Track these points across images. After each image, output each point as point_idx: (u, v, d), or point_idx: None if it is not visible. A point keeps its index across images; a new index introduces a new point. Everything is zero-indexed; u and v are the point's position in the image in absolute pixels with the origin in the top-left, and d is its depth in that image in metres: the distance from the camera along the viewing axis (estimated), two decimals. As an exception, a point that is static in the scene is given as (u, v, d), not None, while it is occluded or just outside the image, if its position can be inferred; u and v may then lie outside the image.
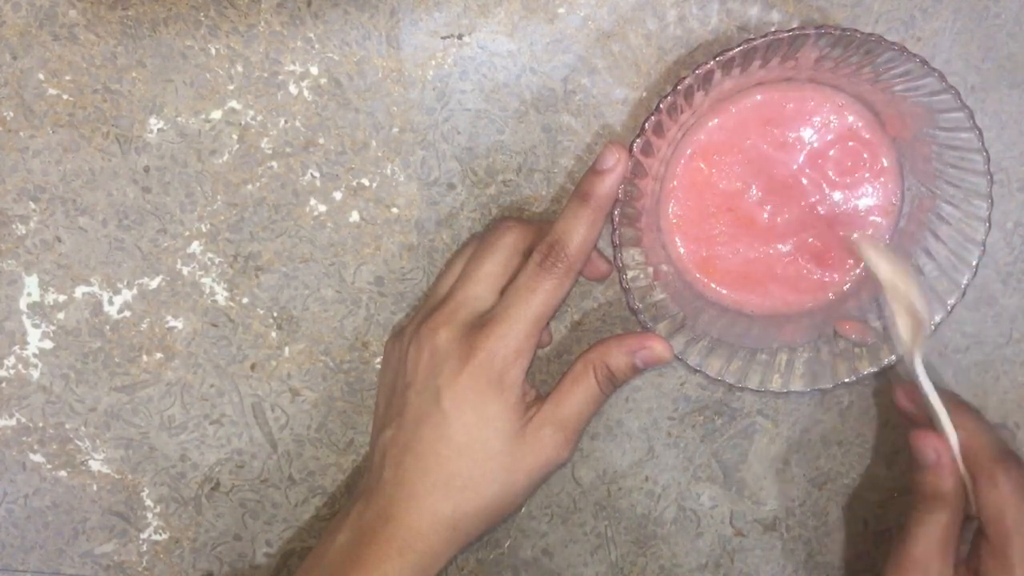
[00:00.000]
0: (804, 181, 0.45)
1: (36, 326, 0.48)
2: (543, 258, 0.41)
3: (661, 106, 0.41)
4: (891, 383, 0.48)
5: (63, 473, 0.49)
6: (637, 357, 0.42)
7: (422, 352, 0.42)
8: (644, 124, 0.42)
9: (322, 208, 0.47)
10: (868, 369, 0.45)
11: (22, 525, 0.49)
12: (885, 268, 0.42)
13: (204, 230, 0.47)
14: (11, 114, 0.46)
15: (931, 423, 0.42)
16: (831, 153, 0.45)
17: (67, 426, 0.48)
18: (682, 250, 0.46)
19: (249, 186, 0.47)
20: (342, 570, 0.40)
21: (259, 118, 0.46)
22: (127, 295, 0.48)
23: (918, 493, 0.41)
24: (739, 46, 0.40)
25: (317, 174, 0.47)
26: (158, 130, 0.46)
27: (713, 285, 0.46)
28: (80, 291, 0.47)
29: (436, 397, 0.41)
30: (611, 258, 0.44)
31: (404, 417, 0.42)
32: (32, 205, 0.47)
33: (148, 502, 0.49)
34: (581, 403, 0.42)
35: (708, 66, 0.40)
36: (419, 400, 0.42)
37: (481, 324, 0.41)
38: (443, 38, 0.46)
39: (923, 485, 0.41)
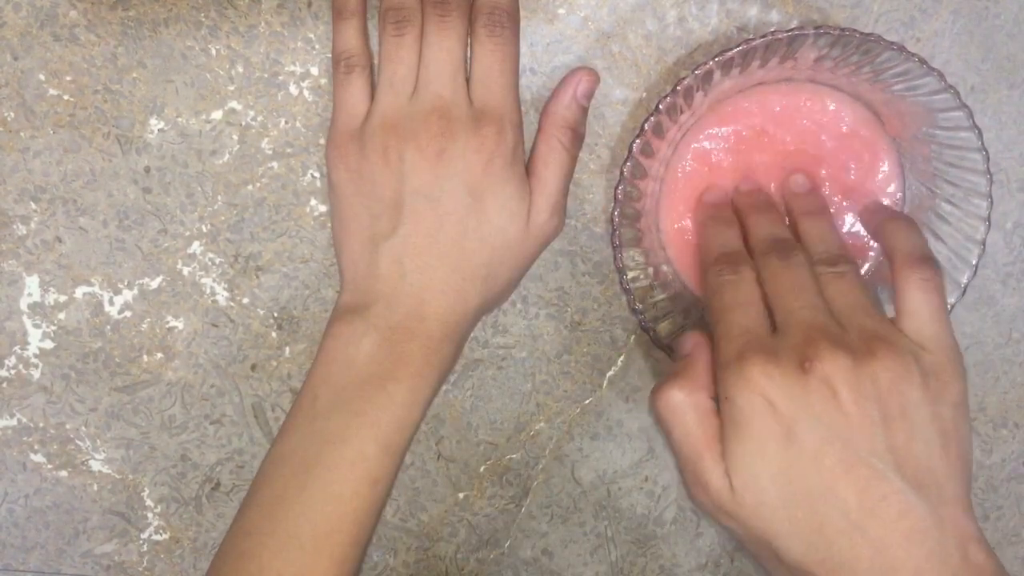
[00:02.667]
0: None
1: (37, 326, 0.48)
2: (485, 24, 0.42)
3: (660, 106, 0.41)
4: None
5: (64, 473, 0.49)
6: (580, 99, 0.44)
7: (423, 153, 0.41)
8: (643, 124, 0.42)
9: (322, 208, 0.47)
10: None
11: (23, 525, 0.49)
12: None
13: (205, 230, 0.47)
14: (12, 114, 0.46)
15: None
16: (831, 152, 0.45)
17: (68, 426, 0.49)
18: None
19: (249, 186, 0.47)
20: (383, 368, 0.41)
21: (259, 119, 0.46)
22: (128, 295, 0.48)
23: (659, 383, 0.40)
24: (738, 46, 0.40)
25: (317, 174, 0.47)
26: (159, 130, 0.46)
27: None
28: (81, 291, 0.48)
29: (456, 193, 0.41)
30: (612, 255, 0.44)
31: (411, 222, 0.42)
32: (33, 205, 0.47)
33: (148, 502, 0.49)
34: (560, 176, 0.44)
35: (707, 66, 0.40)
36: (430, 203, 0.42)
37: (479, 114, 0.42)
38: (443, 39, 0.46)
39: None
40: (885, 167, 0.45)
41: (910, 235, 0.40)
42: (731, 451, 0.36)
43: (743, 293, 0.39)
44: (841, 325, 0.37)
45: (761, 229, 0.42)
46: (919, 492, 0.34)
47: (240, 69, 0.46)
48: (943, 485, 0.35)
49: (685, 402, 0.38)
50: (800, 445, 0.35)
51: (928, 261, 0.39)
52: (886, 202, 0.45)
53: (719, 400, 0.38)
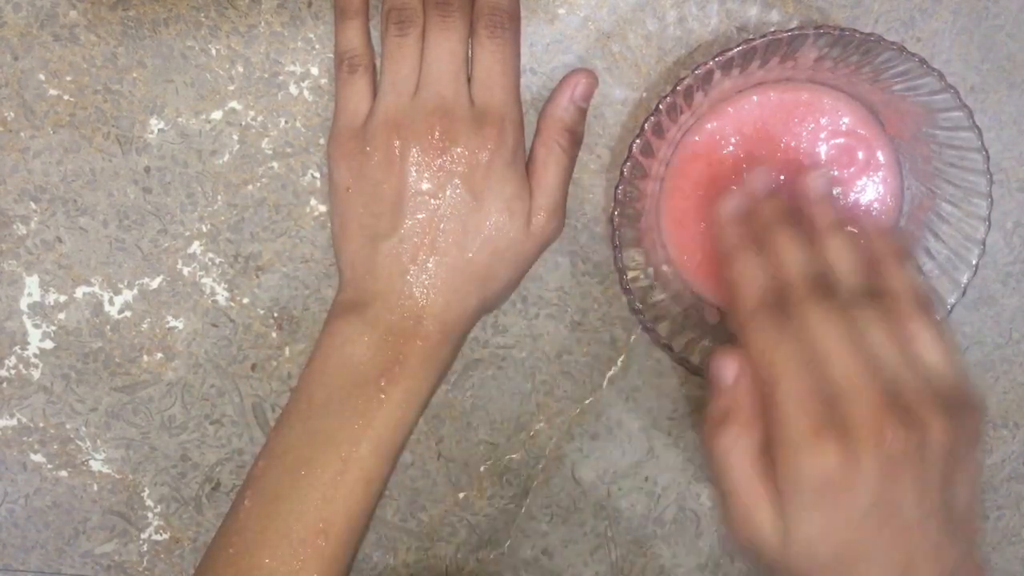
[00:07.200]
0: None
1: (37, 326, 0.48)
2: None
3: (660, 106, 0.41)
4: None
5: (64, 473, 0.49)
6: (578, 101, 0.44)
7: (425, 152, 0.42)
8: (643, 125, 0.42)
9: (322, 208, 0.47)
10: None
11: (23, 525, 0.49)
12: None
13: (205, 230, 0.47)
14: (12, 114, 0.46)
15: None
16: (830, 152, 0.45)
17: (68, 426, 0.49)
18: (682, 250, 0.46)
19: (250, 186, 0.47)
20: (380, 368, 0.41)
21: (260, 118, 0.46)
22: (128, 295, 0.48)
23: (710, 422, 0.38)
24: (738, 46, 0.40)
25: (317, 174, 0.47)
26: (159, 130, 0.46)
27: (712, 285, 0.46)
28: (81, 291, 0.48)
29: (457, 193, 0.42)
30: (613, 257, 0.44)
31: (411, 222, 0.42)
32: (33, 205, 0.47)
33: (148, 502, 0.49)
34: (559, 178, 0.44)
35: (707, 66, 0.40)
36: (431, 203, 0.42)
37: (480, 115, 0.42)
38: (443, 39, 0.46)
39: (714, 412, 0.38)
40: (884, 167, 0.45)
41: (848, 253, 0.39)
42: (791, 514, 0.35)
43: (800, 353, 0.36)
44: (895, 382, 0.35)
45: (794, 259, 0.38)
46: (957, 537, 0.36)
47: (240, 69, 0.46)
48: (973, 526, 0.37)
49: (741, 446, 0.36)
50: (863, 516, 0.35)
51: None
52: (888, 200, 0.45)
53: (777, 459, 0.36)
